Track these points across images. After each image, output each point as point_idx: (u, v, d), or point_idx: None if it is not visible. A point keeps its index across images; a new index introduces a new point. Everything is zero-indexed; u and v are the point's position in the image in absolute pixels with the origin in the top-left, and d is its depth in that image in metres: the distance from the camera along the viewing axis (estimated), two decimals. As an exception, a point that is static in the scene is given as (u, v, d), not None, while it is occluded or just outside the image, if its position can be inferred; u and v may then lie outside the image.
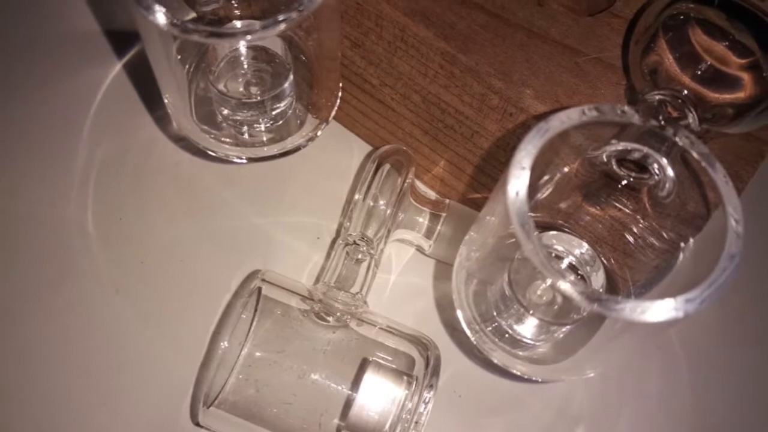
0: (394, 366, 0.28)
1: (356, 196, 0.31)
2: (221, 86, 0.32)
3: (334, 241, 0.35)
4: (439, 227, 0.32)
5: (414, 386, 0.27)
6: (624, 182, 0.27)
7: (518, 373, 0.27)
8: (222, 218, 0.36)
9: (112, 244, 0.34)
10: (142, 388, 0.31)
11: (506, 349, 0.28)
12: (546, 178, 0.28)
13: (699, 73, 0.25)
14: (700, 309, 0.20)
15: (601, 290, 0.30)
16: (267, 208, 0.36)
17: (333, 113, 0.33)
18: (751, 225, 0.22)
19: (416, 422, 0.26)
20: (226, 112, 0.32)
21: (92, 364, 0.32)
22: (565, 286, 0.20)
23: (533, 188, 0.24)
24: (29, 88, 0.38)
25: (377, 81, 0.34)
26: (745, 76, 0.25)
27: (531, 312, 0.29)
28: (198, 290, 0.34)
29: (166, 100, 0.31)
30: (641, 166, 0.25)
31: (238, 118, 0.32)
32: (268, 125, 0.32)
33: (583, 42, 0.29)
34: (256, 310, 0.28)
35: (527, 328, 0.29)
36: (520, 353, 0.29)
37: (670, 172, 0.24)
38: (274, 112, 0.32)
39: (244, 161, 0.32)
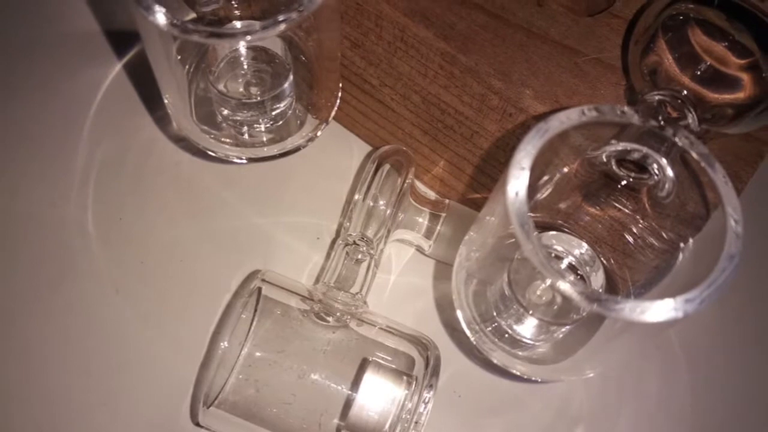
0: (393, 366, 0.28)
1: (356, 197, 0.31)
2: (221, 86, 0.32)
3: (334, 242, 0.35)
4: (438, 227, 0.32)
5: (414, 386, 0.27)
6: (623, 182, 0.27)
7: (518, 373, 0.27)
8: (222, 218, 0.36)
9: (112, 244, 0.34)
10: (142, 388, 0.31)
11: (506, 349, 0.28)
12: (545, 178, 0.28)
13: (698, 73, 0.25)
14: (699, 309, 0.20)
15: (600, 290, 0.30)
16: (267, 208, 0.36)
17: (333, 113, 0.33)
18: (750, 225, 0.22)
19: (416, 422, 0.26)
20: (226, 112, 0.32)
21: (92, 364, 0.32)
22: (565, 286, 0.20)
23: (533, 188, 0.24)
24: (29, 88, 0.38)
25: (377, 81, 0.34)
26: (745, 77, 0.25)
27: (531, 312, 0.29)
28: (198, 290, 0.34)
29: (166, 101, 0.31)
30: (641, 167, 0.25)
31: (238, 118, 0.32)
32: (268, 125, 0.32)
33: (583, 42, 0.29)
34: (256, 310, 0.28)
35: (527, 328, 0.29)
36: (520, 353, 0.29)
37: (669, 172, 0.24)
38: (274, 113, 0.32)
39: (244, 161, 0.32)
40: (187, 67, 0.32)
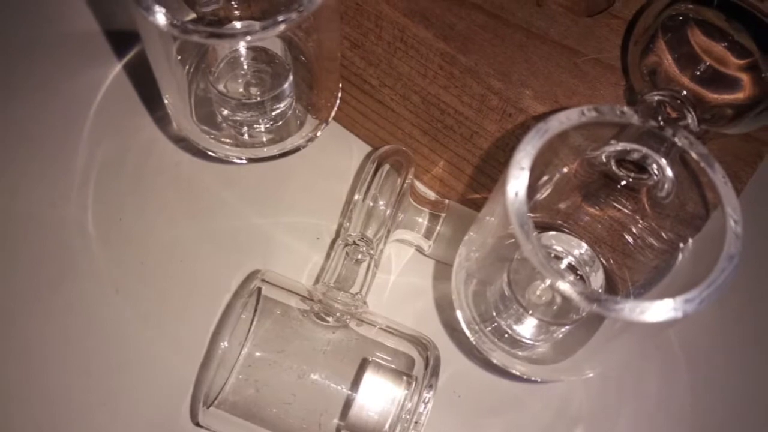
0: (393, 366, 0.28)
1: (356, 197, 0.31)
2: (221, 87, 0.32)
3: (333, 242, 0.35)
4: (438, 227, 0.32)
5: (413, 386, 0.27)
6: (623, 183, 0.27)
7: (517, 374, 0.27)
8: (222, 218, 0.36)
9: (112, 244, 0.34)
10: (142, 388, 0.31)
11: (505, 350, 0.28)
12: (545, 178, 0.28)
13: (698, 73, 0.25)
14: (699, 309, 0.20)
15: (600, 290, 0.30)
16: (267, 208, 0.36)
17: (333, 114, 0.33)
18: (749, 225, 0.22)
19: (416, 422, 0.26)
20: (226, 112, 0.32)
21: (92, 364, 0.32)
22: (564, 286, 0.20)
23: (532, 189, 0.24)
24: (29, 89, 0.38)
25: (377, 81, 0.34)
26: (744, 77, 0.25)
27: (530, 312, 0.29)
28: (198, 290, 0.34)
29: (166, 101, 0.31)
30: (640, 167, 0.25)
31: (238, 118, 0.32)
32: (267, 126, 0.32)
33: (583, 42, 0.29)
34: (256, 310, 0.28)
35: (526, 328, 0.29)
36: (520, 353, 0.29)
37: (669, 172, 0.24)
38: (273, 113, 0.32)
39: (244, 162, 0.32)
40: (187, 67, 0.32)
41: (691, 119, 0.24)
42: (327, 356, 0.28)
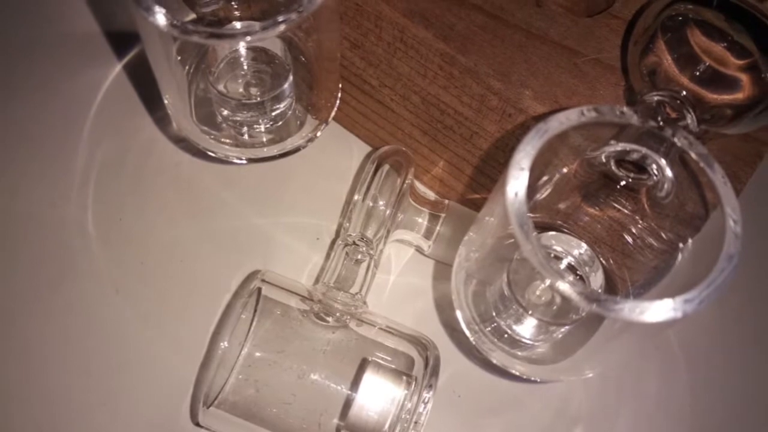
0: (393, 366, 0.28)
1: (356, 197, 0.31)
2: (221, 87, 0.32)
3: (333, 242, 0.35)
4: (438, 228, 0.32)
5: (413, 386, 0.27)
6: (623, 183, 0.27)
7: (517, 374, 0.27)
8: (222, 218, 0.36)
9: (112, 244, 0.34)
10: (142, 388, 0.31)
11: (505, 350, 0.28)
12: (545, 178, 0.28)
13: (697, 74, 0.25)
14: (698, 309, 0.20)
15: (599, 291, 0.30)
16: (267, 208, 0.36)
17: (332, 114, 0.33)
18: (749, 226, 0.22)
19: (416, 422, 0.26)
20: (225, 112, 0.32)
21: (92, 364, 0.32)
22: (564, 286, 0.20)
23: (532, 189, 0.24)
24: (29, 89, 0.38)
25: (376, 82, 0.34)
26: (744, 77, 0.25)
27: (530, 312, 0.29)
28: (198, 290, 0.34)
29: (166, 101, 0.31)
30: (640, 167, 0.25)
31: (238, 118, 0.32)
32: (267, 126, 0.32)
33: (582, 43, 0.29)
34: (255, 311, 0.28)
35: (526, 328, 0.29)
36: (519, 353, 0.29)
37: (668, 172, 0.24)
38: (273, 113, 0.32)
39: (244, 162, 0.32)
40: (187, 67, 0.32)
41: (690, 119, 0.24)
42: (327, 356, 0.28)
